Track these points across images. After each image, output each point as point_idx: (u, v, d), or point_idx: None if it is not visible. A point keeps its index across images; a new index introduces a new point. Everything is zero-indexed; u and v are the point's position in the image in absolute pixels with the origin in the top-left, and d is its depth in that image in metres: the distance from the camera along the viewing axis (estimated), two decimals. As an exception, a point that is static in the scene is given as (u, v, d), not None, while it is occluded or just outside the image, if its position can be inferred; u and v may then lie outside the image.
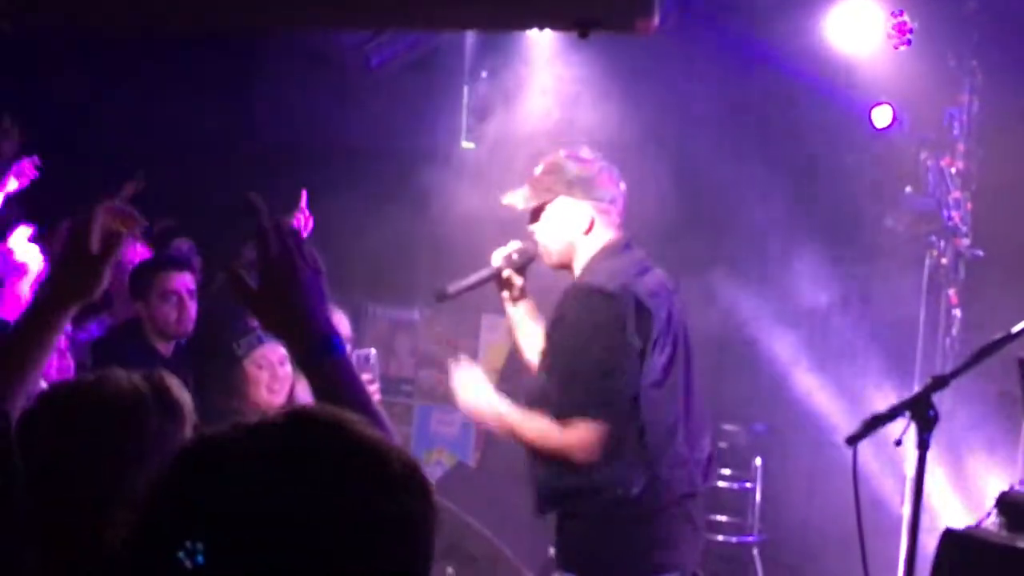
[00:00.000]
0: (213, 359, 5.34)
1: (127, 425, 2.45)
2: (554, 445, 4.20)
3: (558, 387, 4.21)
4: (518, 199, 4.41)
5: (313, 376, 2.14)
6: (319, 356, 2.12)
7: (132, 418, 2.46)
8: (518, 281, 4.61)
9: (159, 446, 2.45)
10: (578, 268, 4.37)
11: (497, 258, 4.52)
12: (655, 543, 4.27)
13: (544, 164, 4.42)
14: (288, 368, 5.10)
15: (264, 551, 1.39)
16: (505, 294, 4.64)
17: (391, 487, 1.45)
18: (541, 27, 6.06)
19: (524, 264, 4.53)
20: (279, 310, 2.14)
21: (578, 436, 4.14)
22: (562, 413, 4.16)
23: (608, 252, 4.35)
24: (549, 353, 4.31)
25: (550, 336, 4.33)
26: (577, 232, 4.35)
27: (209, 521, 1.41)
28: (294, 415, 1.52)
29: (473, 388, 4.54)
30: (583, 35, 2.58)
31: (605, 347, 4.16)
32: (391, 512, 1.44)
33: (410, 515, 1.46)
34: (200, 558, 1.37)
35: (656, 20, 2.41)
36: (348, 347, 5.66)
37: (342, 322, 5.87)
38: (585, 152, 4.43)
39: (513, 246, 4.52)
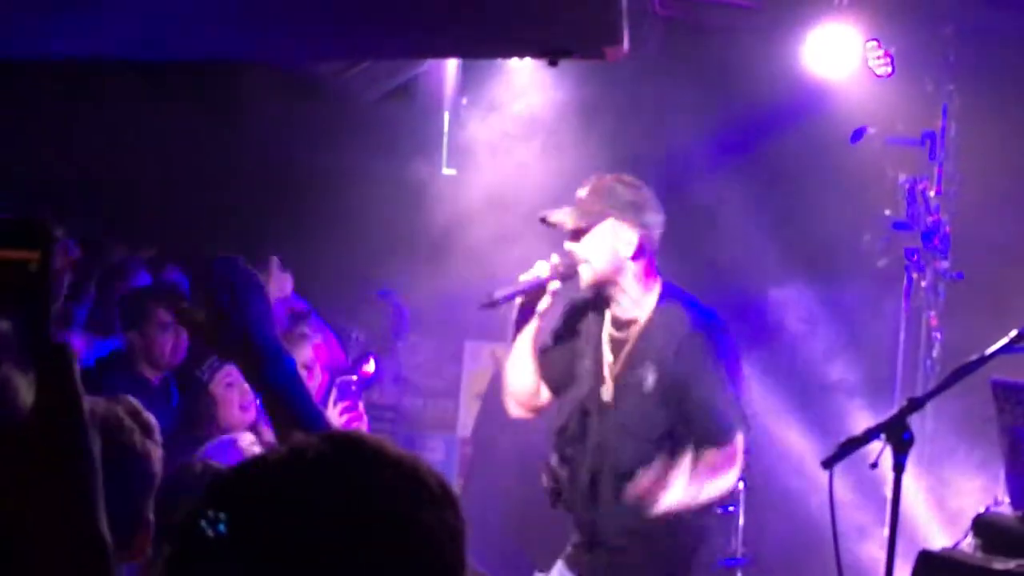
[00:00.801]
0: (183, 393, 5.39)
1: (119, 447, 2.52)
2: (721, 471, 4.39)
3: (700, 413, 4.39)
4: (566, 218, 4.48)
5: (264, 394, 2.21)
6: (267, 374, 2.19)
7: (120, 439, 2.53)
8: (549, 294, 4.59)
9: (142, 463, 2.53)
10: (625, 290, 4.51)
11: (544, 268, 4.49)
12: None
13: (591, 186, 4.49)
14: None
15: (316, 569, 1.45)
16: (540, 306, 4.59)
17: (433, 501, 1.52)
18: (511, 56, 6.11)
19: (568, 277, 4.53)
20: (224, 334, 2.22)
21: (734, 451, 4.40)
22: (708, 437, 4.38)
23: (665, 283, 4.59)
24: (668, 384, 4.42)
25: (670, 368, 4.43)
26: (625, 254, 4.45)
27: (263, 542, 1.46)
28: (330, 439, 1.59)
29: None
30: (553, 63, 2.60)
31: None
32: (434, 524, 1.51)
33: (449, 526, 1.53)
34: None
35: (624, 46, 2.44)
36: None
37: (286, 281, 5.93)
38: (629, 178, 4.55)
39: (555, 259, 4.51)
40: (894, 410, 4.09)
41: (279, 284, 6.78)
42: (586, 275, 4.51)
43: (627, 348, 4.55)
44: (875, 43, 7.44)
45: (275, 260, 6.74)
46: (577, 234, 4.46)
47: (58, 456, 1.49)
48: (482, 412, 8.58)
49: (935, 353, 7.66)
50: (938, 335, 7.66)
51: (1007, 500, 4.29)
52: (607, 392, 4.57)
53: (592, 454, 4.53)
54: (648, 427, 4.43)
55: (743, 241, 7.93)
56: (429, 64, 7.65)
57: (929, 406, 6.21)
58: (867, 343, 7.86)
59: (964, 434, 6.86)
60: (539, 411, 4.89)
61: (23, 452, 1.48)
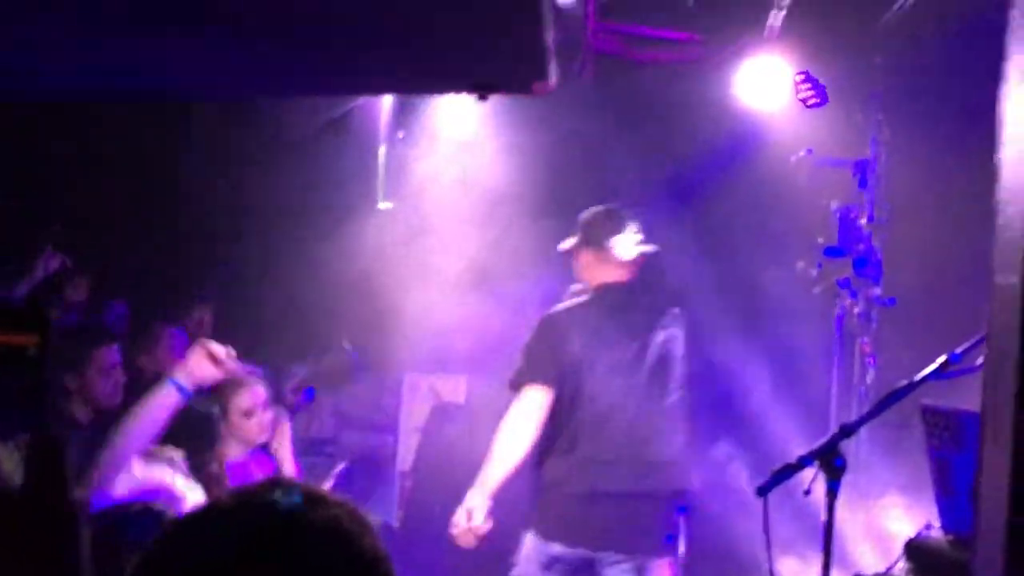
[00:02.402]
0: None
1: None
2: None
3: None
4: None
5: None
6: None
7: None
8: None
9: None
10: None
11: None
12: None
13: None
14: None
15: None
16: None
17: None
18: (440, 92, 6.14)
19: None
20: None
21: None
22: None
23: None
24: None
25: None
26: None
27: None
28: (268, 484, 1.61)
29: None
30: (482, 98, 2.62)
31: None
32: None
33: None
34: None
35: (552, 81, 2.46)
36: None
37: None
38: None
39: None
40: (826, 436, 4.14)
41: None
42: None
43: None
44: (803, 76, 7.54)
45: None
46: None
47: (47, 546, 1.49)
48: (422, 446, 8.55)
49: (868, 379, 7.74)
50: (871, 361, 7.75)
51: (938, 524, 4.34)
52: None
53: None
54: None
55: (677, 271, 7.97)
56: (364, 98, 7.65)
57: (862, 431, 6.29)
58: (801, 369, 7.92)
59: (896, 459, 6.92)
60: None
61: (9, 531, 1.48)
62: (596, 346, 5.69)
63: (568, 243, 5.97)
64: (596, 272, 5.87)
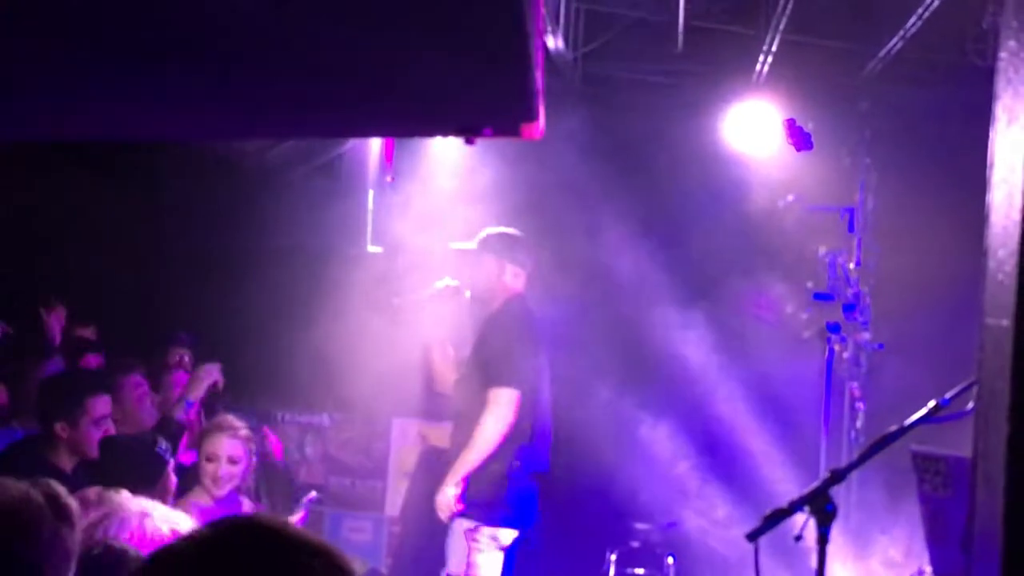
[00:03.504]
0: (141, 468, 5.30)
1: (23, 530, 2.48)
2: None
3: None
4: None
5: None
6: None
7: (28, 524, 2.49)
8: None
9: (54, 550, 2.49)
10: None
11: None
12: None
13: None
14: None
15: None
16: None
17: None
18: (426, 135, 6.16)
19: None
20: None
21: None
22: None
23: None
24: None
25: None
26: None
27: None
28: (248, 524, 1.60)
29: None
30: (470, 142, 2.61)
31: None
32: None
33: None
34: None
35: (541, 125, 2.45)
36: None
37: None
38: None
39: None
40: (817, 482, 4.11)
41: (206, 385, 6.67)
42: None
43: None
44: (790, 122, 7.57)
45: (210, 366, 6.62)
46: None
47: None
48: (410, 491, 8.50)
49: (858, 423, 7.73)
50: (861, 405, 7.74)
51: (930, 570, 4.31)
52: None
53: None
54: None
55: (665, 315, 7.98)
56: (352, 142, 7.65)
57: (853, 476, 6.27)
58: (791, 414, 7.91)
59: (888, 503, 6.90)
60: None
61: None
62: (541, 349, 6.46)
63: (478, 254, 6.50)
64: (507, 283, 6.47)
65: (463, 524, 6.21)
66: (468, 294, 6.62)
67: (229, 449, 5.61)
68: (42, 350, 7.01)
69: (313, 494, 6.80)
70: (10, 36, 2.44)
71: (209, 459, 5.58)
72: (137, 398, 6.63)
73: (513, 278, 6.48)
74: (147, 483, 5.39)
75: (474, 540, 6.21)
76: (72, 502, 2.65)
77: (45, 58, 2.70)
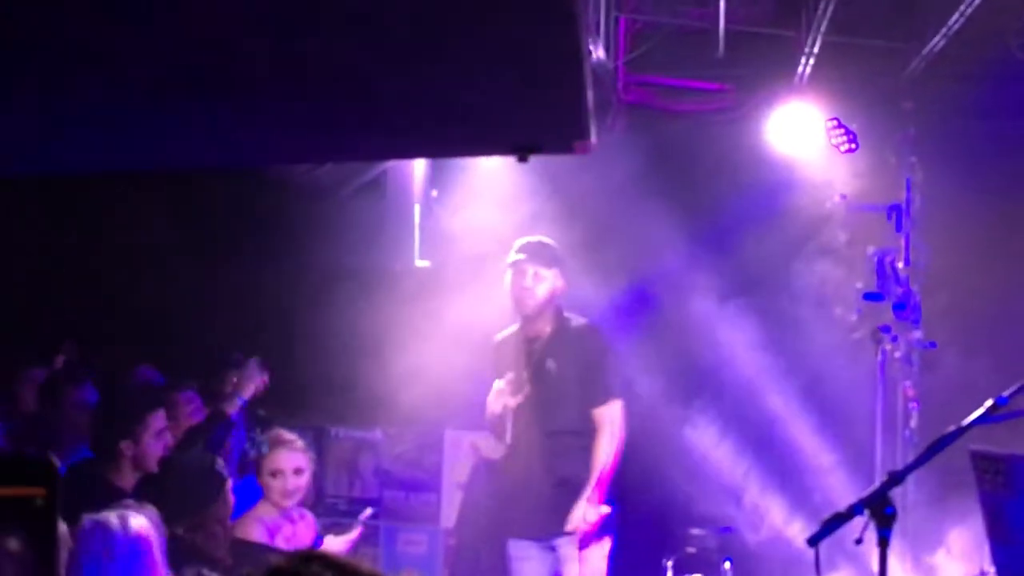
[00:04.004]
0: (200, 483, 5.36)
1: None
2: None
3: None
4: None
5: None
6: None
7: None
8: None
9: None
10: None
11: None
12: None
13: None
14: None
15: None
16: None
17: None
18: (480, 155, 6.19)
19: None
20: None
21: None
22: None
23: None
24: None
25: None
26: None
27: None
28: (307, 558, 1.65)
29: None
30: (522, 160, 2.64)
31: None
32: None
33: None
34: None
35: (594, 140, 2.48)
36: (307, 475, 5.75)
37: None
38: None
39: None
40: (875, 484, 4.10)
41: (254, 383, 6.75)
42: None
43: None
44: (834, 122, 7.56)
45: (254, 361, 6.72)
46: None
47: None
48: (465, 503, 8.53)
49: (913, 423, 7.69)
50: (914, 405, 7.70)
51: (992, 571, 4.29)
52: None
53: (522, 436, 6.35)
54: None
55: (712, 319, 7.97)
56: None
57: (910, 477, 6.23)
58: (844, 415, 7.88)
59: (947, 504, 6.86)
60: None
61: None
62: None
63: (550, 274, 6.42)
64: (558, 294, 6.48)
65: (603, 546, 6.30)
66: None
67: (293, 462, 5.72)
68: (74, 377, 7.09)
69: (368, 511, 6.85)
70: (61, 74, 2.49)
71: (274, 475, 5.66)
72: (190, 413, 6.72)
73: (563, 288, 6.45)
74: (207, 501, 5.47)
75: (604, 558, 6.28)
76: (61, 526, 2.66)
77: (96, 93, 2.76)
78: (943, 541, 6.85)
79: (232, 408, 6.42)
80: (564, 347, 6.39)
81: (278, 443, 5.76)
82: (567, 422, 6.31)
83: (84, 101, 2.74)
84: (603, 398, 6.26)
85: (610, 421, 6.20)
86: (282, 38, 2.13)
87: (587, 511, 6.13)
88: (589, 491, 6.13)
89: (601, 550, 6.24)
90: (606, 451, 6.19)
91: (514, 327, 6.63)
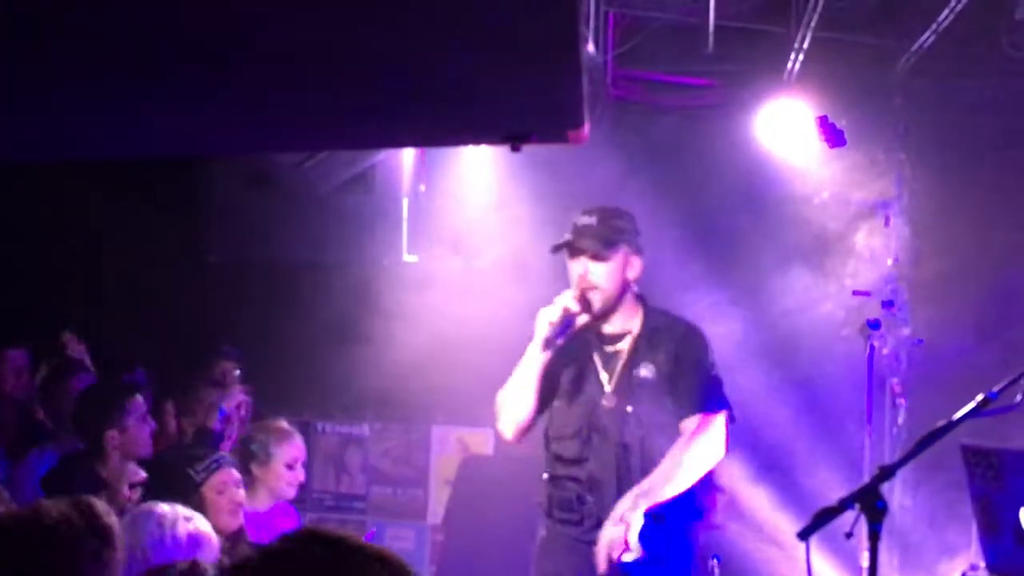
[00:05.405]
0: (170, 489, 5.29)
1: (62, 552, 2.49)
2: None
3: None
4: (591, 244, 5.10)
5: None
6: None
7: (67, 545, 2.50)
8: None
9: (94, 570, 2.50)
10: (620, 309, 5.22)
11: (570, 302, 5.05)
12: None
13: (599, 215, 5.18)
14: (242, 491, 5.10)
15: None
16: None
17: None
18: (473, 143, 6.17)
19: (586, 306, 5.12)
20: None
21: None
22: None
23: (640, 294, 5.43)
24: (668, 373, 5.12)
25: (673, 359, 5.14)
26: (632, 278, 5.25)
27: None
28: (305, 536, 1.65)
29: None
30: (515, 149, 2.63)
31: None
32: None
33: None
34: None
35: (587, 130, 2.47)
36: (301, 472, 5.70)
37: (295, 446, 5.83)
38: (622, 209, 5.40)
39: (571, 294, 5.09)
40: (865, 479, 4.10)
41: (236, 400, 6.75)
42: (597, 301, 5.05)
43: (624, 358, 5.12)
44: (823, 118, 7.56)
45: (238, 386, 6.71)
46: (596, 259, 5.04)
47: None
48: (452, 499, 8.53)
49: (900, 419, 7.70)
50: (902, 401, 7.71)
51: (982, 564, 4.30)
52: (610, 399, 5.08)
53: (615, 458, 5.01)
54: (661, 415, 5.03)
55: (703, 318, 7.95)
56: (387, 152, 7.68)
57: (899, 472, 6.24)
58: (832, 411, 7.88)
59: (936, 499, 6.87)
60: (527, 432, 5.29)
61: None
62: None
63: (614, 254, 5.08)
64: (631, 281, 5.18)
65: None
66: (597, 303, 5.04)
67: (303, 453, 5.73)
68: (71, 367, 7.07)
69: (373, 530, 6.84)
70: (59, 61, 2.47)
71: (290, 466, 5.64)
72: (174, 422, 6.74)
73: (638, 272, 5.19)
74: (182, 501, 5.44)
75: None
76: (113, 521, 2.66)
77: (92, 80, 2.74)
78: (932, 536, 6.87)
79: (215, 423, 6.41)
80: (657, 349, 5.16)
81: (291, 434, 5.75)
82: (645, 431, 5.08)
83: (72, 85, 2.72)
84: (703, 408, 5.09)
85: (705, 432, 5.03)
86: (275, 25, 2.11)
87: (614, 535, 4.76)
88: (631, 506, 4.81)
89: None
90: (675, 463, 4.96)
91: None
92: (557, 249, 5.12)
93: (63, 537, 2.51)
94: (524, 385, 5.15)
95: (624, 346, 5.14)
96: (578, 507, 5.10)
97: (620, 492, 4.91)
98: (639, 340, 5.13)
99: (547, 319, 5.00)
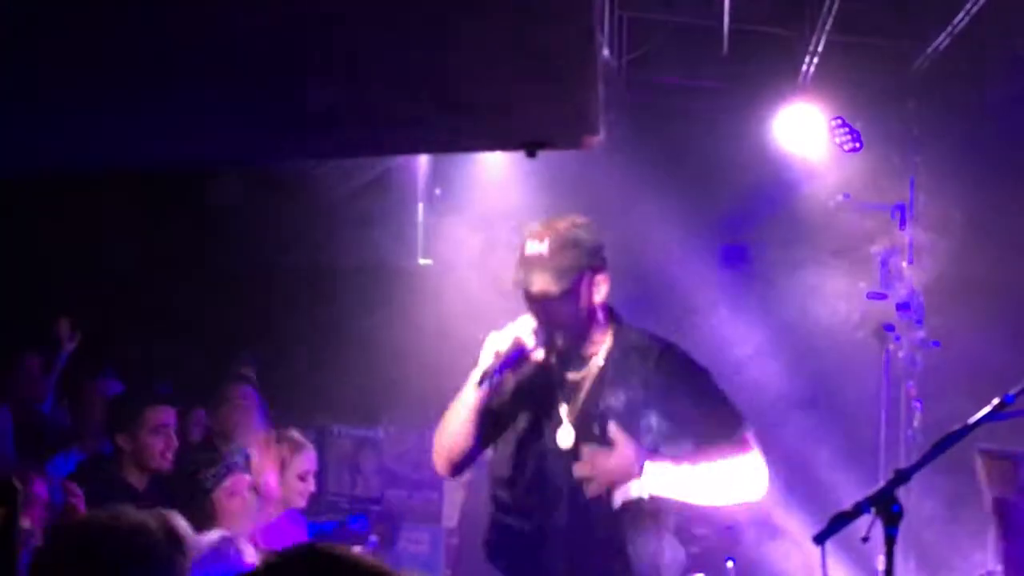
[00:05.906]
0: (183, 493, 5.30)
1: (138, 557, 2.57)
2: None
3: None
4: (549, 286, 4.11)
5: None
6: None
7: (143, 550, 2.58)
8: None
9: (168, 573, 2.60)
10: (587, 333, 4.25)
11: (527, 335, 4.18)
12: None
13: (552, 240, 4.19)
14: (254, 496, 5.11)
15: None
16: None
17: None
18: (488, 149, 6.17)
19: (548, 341, 4.26)
20: None
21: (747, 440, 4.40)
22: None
23: (605, 306, 4.31)
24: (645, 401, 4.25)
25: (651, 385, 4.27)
26: (599, 300, 4.24)
27: None
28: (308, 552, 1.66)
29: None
30: (531, 155, 2.63)
31: None
32: None
33: None
34: None
35: (602, 135, 2.48)
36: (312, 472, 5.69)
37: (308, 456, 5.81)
38: (579, 218, 4.35)
39: (529, 324, 4.20)
40: (881, 483, 4.09)
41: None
42: (559, 337, 4.21)
43: (587, 385, 4.26)
44: (838, 121, 7.56)
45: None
46: (549, 298, 4.12)
47: None
48: (467, 502, 8.52)
49: (916, 423, 7.69)
50: (918, 404, 7.70)
51: (1000, 569, 4.29)
52: (567, 435, 4.21)
53: (567, 495, 4.21)
54: None
55: (719, 321, 7.96)
56: (402, 156, 7.71)
57: (915, 476, 6.23)
58: (848, 415, 7.88)
59: (952, 503, 6.86)
60: (464, 469, 4.67)
61: None
62: None
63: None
64: (597, 303, 4.33)
65: None
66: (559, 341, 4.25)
67: (315, 464, 5.72)
68: (97, 369, 7.11)
69: (375, 540, 6.84)
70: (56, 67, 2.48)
71: (302, 477, 5.62)
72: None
73: (606, 291, 4.30)
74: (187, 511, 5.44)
75: None
76: (188, 531, 2.74)
77: (96, 91, 2.74)
78: (948, 540, 6.86)
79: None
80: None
81: (303, 444, 5.72)
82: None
83: (64, 95, 2.73)
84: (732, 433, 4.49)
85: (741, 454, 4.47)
86: (287, 28, 2.12)
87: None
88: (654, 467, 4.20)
89: None
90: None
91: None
92: (528, 296, 4.20)
93: (139, 542, 2.59)
94: (459, 420, 4.34)
95: (588, 372, 4.27)
96: (526, 562, 4.41)
97: (573, 558, 4.24)
98: (606, 365, 4.25)
99: (494, 347, 4.18)
